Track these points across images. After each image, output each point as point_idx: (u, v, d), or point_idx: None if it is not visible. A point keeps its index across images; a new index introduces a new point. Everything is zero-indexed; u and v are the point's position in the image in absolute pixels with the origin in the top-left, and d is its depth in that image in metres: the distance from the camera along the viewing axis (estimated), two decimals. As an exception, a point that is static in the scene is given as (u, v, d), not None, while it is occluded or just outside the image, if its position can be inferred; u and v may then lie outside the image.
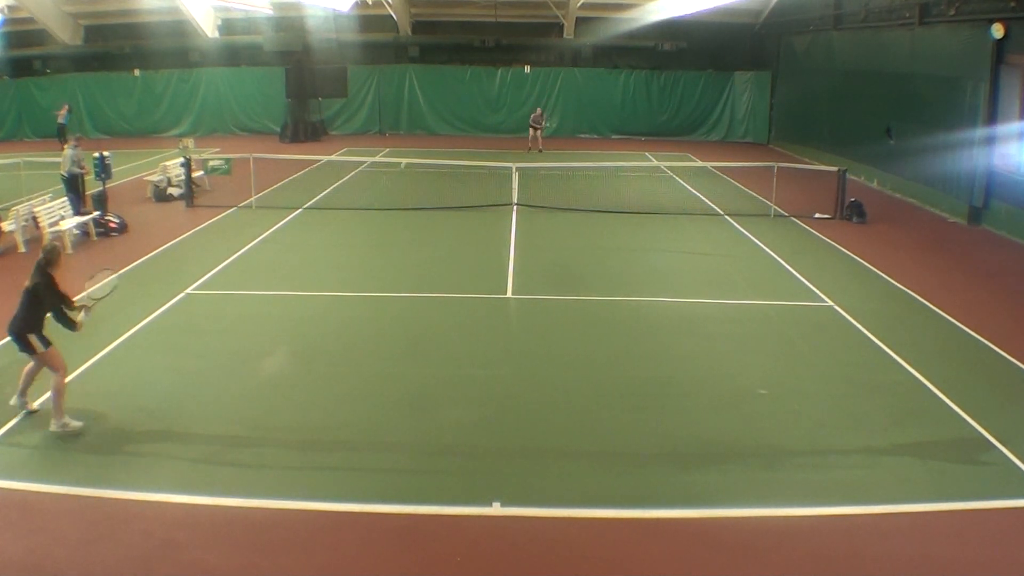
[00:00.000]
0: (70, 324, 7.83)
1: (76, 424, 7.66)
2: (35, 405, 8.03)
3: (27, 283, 7.68)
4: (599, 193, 19.88)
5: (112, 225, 15.86)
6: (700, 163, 25.07)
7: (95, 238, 15.40)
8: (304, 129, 31.46)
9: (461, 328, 10.78)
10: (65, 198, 15.80)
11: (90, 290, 8.49)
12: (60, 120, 28.71)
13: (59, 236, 14.50)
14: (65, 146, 17.51)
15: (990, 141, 16.59)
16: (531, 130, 29.35)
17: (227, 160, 19.44)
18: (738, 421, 8.08)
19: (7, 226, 14.64)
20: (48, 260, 7.73)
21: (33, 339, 7.62)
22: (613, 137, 32.89)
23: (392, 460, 7.33)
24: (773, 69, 31.02)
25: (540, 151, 28.41)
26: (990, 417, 8.06)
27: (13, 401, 7.96)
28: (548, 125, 31.18)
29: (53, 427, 7.60)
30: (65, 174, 16.17)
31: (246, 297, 12.10)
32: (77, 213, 15.66)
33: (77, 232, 15.08)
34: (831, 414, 8.27)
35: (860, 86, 22.84)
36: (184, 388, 8.71)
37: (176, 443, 7.50)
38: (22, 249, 14.46)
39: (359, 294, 12.26)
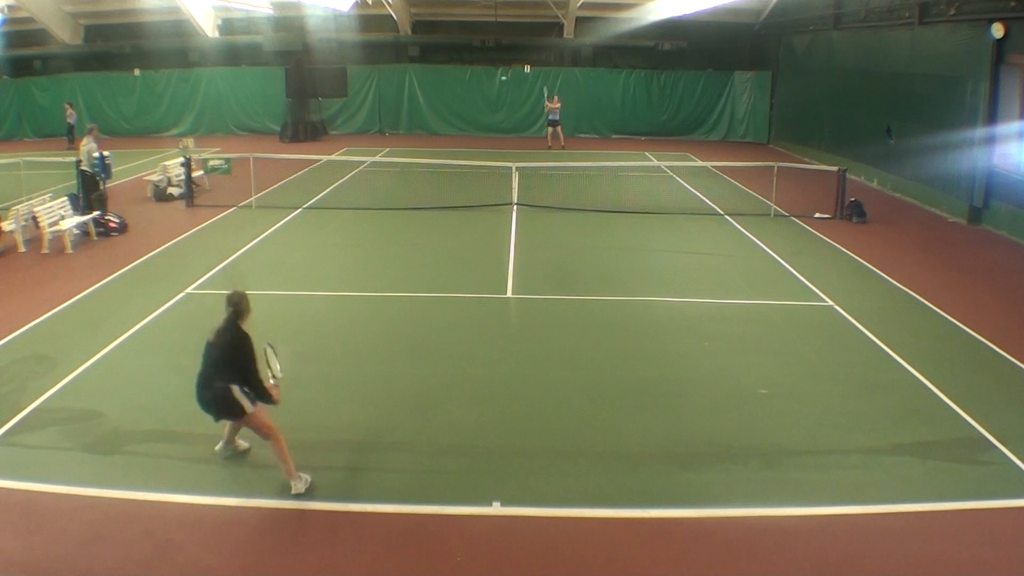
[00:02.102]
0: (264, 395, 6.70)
1: (307, 477, 6.68)
2: (244, 443, 7.27)
3: (212, 338, 6.68)
4: (599, 193, 19.88)
5: (112, 225, 15.85)
6: (700, 163, 25.05)
7: (95, 238, 15.38)
8: (304, 129, 31.45)
9: (461, 328, 10.78)
10: (66, 198, 15.76)
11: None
12: (69, 121, 28.76)
13: (60, 236, 14.52)
14: (81, 142, 17.49)
15: (990, 141, 16.58)
16: (550, 128, 28.89)
17: (227, 160, 19.43)
18: (738, 421, 8.08)
19: (7, 226, 14.64)
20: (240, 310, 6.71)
21: (237, 392, 6.55)
22: (613, 137, 32.87)
23: (392, 460, 7.33)
24: (773, 69, 30.99)
25: (563, 148, 28.15)
26: (990, 417, 8.06)
27: (219, 448, 7.20)
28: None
29: (299, 488, 6.59)
30: (88, 169, 16.20)
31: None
32: (82, 212, 15.66)
33: (77, 232, 15.07)
34: (831, 414, 8.27)
35: (860, 86, 22.83)
36: (184, 388, 8.59)
37: (176, 443, 7.50)
38: (22, 249, 14.47)
39: (359, 294, 12.26)
